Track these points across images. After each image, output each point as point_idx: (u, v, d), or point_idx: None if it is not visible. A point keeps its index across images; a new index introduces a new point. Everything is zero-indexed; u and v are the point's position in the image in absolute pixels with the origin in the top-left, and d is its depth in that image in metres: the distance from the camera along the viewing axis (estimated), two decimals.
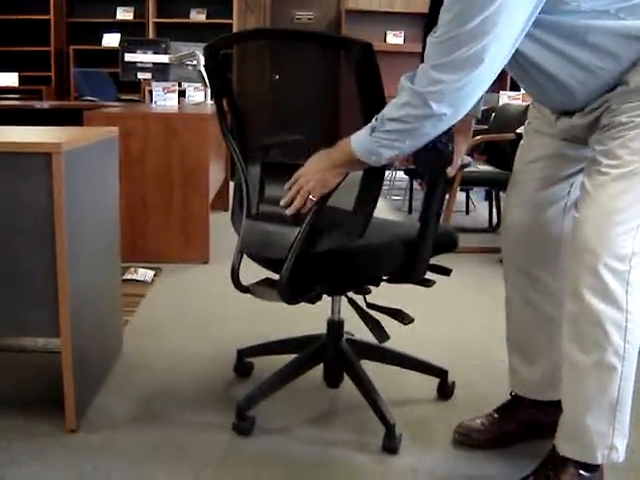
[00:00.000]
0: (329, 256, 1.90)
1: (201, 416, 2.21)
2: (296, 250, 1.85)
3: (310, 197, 1.79)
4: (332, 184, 1.79)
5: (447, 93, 1.55)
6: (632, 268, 1.62)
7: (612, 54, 1.62)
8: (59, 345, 2.02)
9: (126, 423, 2.15)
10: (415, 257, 1.96)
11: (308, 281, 2.00)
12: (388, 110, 1.64)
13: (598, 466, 1.76)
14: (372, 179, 1.80)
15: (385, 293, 2.21)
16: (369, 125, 1.67)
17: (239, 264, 2.05)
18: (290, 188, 1.83)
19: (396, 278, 2.05)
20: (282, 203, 1.83)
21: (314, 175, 1.78)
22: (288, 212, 1.81)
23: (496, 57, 1.53)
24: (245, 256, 2.09)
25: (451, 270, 2.11)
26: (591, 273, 1.62)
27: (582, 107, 1.75)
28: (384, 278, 2.08)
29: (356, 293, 2.15)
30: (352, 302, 2.15)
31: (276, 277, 1.95)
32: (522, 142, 2.06)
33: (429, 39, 1.59)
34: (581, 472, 1.75)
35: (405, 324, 2.05)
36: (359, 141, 1.69)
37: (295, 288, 1.91)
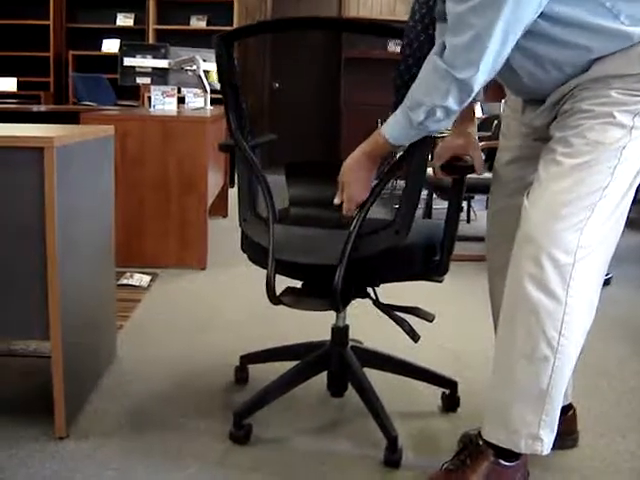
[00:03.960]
0: (372, 257, 1.87)
1: (196, 423, 2.14)
2: (348, 254, 1.81)
3: (355, 202, 1.84)
4: (372, 182, 1.83)
5: (484, 70, 1.53)
6: (577, 262, 1.61)
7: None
8: (50, 349, 1.95)
9: (118, 430, 2.08)
10: (442, 254, 1.97)
11: (351, 285, 1.93)
12: (431, 98, 1.61)
13: (518, 457, 1.74)
14: (414, 175, 1.82)
15: (383, 299, 2.14)
16: (409, 120, 1.65)
17: (274, 273, 1.92)
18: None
19: (422, 275, 2.03)
20: (337, 200, 1.87)
21: (353, 182, 1.82)
22: (344, 212, 1.86)
23: (519, 15, 1.49)
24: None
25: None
26: (533, 262, 1.62)
27: (549, 92, 1.74)
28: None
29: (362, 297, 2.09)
30: (378, 303, 2.08)
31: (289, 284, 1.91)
32: (499, 143, 2.05)
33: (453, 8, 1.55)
34: (500, 461, 1.73)
35: (429, 321, 2.03)
36: (400, 134, 1.71)
37: (343, 294, 1.86)
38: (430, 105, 1.61)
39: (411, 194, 1.84)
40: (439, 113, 1.62)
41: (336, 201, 1.86)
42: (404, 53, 1.75)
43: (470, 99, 1.62)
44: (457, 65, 1.54)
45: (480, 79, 1.55)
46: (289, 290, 1.99)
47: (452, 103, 1.59)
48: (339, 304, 1.87)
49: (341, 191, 1.85)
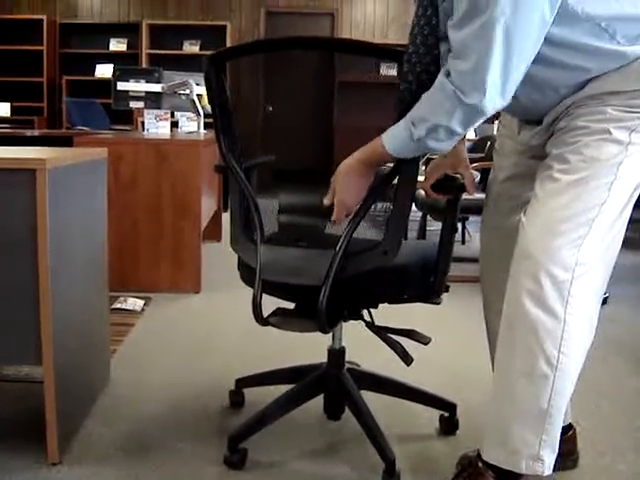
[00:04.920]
0: (361, 278, 1.84)
1: (191, 448, 2.11)
2: (333, 274, 1.78)
3: (347, 207, 1.79)
4: (365, 188, 1.78)
5: (492, 96, 1.51)
6: (574, 279, 1.59)
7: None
8: (42, 374, 1.92)
9: (112, 455, 2.05)
10: (436, 275, 1.95)
11: (340, 306, 1.92)
12: (435, 116, 1.59)
13: (518, 478, 1.70)
14: (404, 194, 1.79)
15: (380, 322, 2.12)
16: (410, 133, 1.63)
17: (261, 294, 1.90)
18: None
19: (417, 297, 2.00)
20: (326, 201, 1.81)
21: (345, 187, 1.77)
22: (334, 218, 1.80)
23: (524, 41, 1.48)
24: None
25: (449, 286, 2.04)
26: (531, 278, 1.61)
27: (544, 113, 1.74)
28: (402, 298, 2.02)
29: (355, 318, 2.06)
30: (370, 325, 2.06)
31: (282, 305, 1.89)
32: (494, 161, 2.04)
33: (454, 34, 1.55)
34: None
35: (425, 344, 2.00)
36: (399, 146, 1.67)
37: (329, 315, 1.82)
38: (434, 123, 1.59)
39: (400, 214, 1.81)
40: (442, 133, 1.59)
41: (325, 202, 1.81)
42: (403, 71, 1.72)
43: (477, 123, 1.59)
44: (465, 90, 1.52)
45: (490, 104, 1.52)
46: (278, 311, 1.97)
47: (456, 125, 1.57)
48: (325, 325, 1.83)
49: (332, 194, 1.80)
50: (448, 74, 1.56)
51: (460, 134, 1.62)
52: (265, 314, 1.92)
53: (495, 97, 1.52)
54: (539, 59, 1.58)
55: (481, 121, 1.59)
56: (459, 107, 1.55)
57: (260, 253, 1.91)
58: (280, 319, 1.94)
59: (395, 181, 1.79)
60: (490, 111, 1.55)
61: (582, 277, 1.60)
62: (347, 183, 1.77)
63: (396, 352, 2.00)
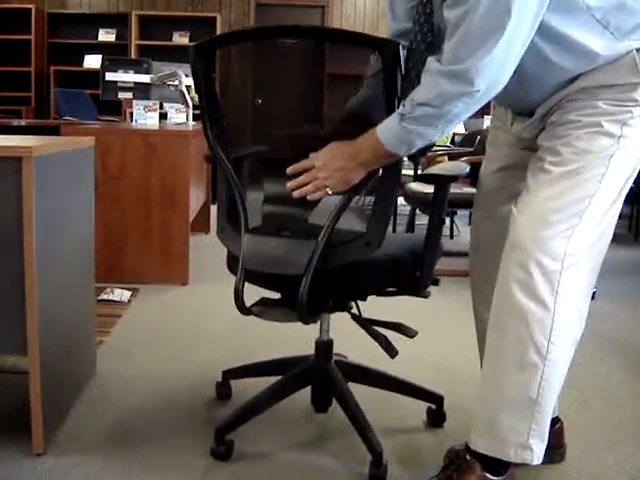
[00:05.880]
0: (345, 269, 1.83)
1: (177, 439, 2.10)
2: (315, 265, 1.76)
3: (327, 190, 1.72)
4: (354, 182, 1.72)
5: (478, 68, 1.48)
6: (564, 269, 1.60)
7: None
8: (27, 365, 1.90)
9: (97, 446, 2.03)
10: (422, 268, 1.93)
11: (322, 297, 1.91)
12: (417, 94, 1.58)
13: (505, 471, 1.72)
14: (387, 186, 1.77)
15: (369, 314, 2.11)
16: (397, 113, 1.61)
17: (243, 283, 1.89)
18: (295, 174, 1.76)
19: (404, 290, 1.98)
20: (289, 185, 1.75)
21: (336, 172, 1.71)
22: (295, 195, 1.74)
23: (522, 16, 1.45)
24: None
25: (439, 279, 2.03)
26: (521, 268, 1.61)
27: (537, 105, 1.73)
28: (389, 291, 2.01)
29: (340, 310, 2.06)
30: (356, 317, 2.05)
31: (271, 295, 1.88)
32: (486, 152, 2.04)
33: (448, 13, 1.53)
34: (486, 474, 1.71)
35: (411, 337, 1.99)
36: (388, 131, 1.63)
37: (311, 305, 1.81)
38: (418, 101, 1.56)
39: (383, 206, 1.79)
40: (426, 111, 1.56)
41: (291, 169, 1.75)
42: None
43: (472, 102, 1.54)
44: (457, 61, 1.50)
45: (483, 76, 1.48)
46: (261, 301, 1.96)
47: (437, 101, 1.54)
48: (305, 315, 1.82)
49: (310, 168, 1.74)
50: (439, 59, 1.55)
51: (446, 114, 1.56)
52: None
53: (488, 68, 1.49)
54: (530, 51, 1.56)
55: (477, 102, 1.54)
56: (445, 83, 1.52)
57: (244, 242, 1.90)
58: (262, 308, 1.94)
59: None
60: (482, 83, 1.50)
61: (572, 268, 1.60)
62: (337, 165, 1.71)
63: (380, 344, 2.00)
